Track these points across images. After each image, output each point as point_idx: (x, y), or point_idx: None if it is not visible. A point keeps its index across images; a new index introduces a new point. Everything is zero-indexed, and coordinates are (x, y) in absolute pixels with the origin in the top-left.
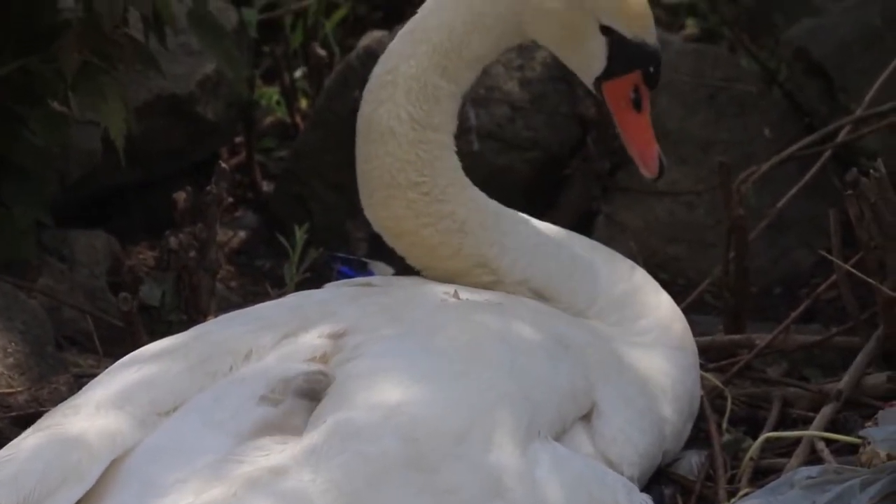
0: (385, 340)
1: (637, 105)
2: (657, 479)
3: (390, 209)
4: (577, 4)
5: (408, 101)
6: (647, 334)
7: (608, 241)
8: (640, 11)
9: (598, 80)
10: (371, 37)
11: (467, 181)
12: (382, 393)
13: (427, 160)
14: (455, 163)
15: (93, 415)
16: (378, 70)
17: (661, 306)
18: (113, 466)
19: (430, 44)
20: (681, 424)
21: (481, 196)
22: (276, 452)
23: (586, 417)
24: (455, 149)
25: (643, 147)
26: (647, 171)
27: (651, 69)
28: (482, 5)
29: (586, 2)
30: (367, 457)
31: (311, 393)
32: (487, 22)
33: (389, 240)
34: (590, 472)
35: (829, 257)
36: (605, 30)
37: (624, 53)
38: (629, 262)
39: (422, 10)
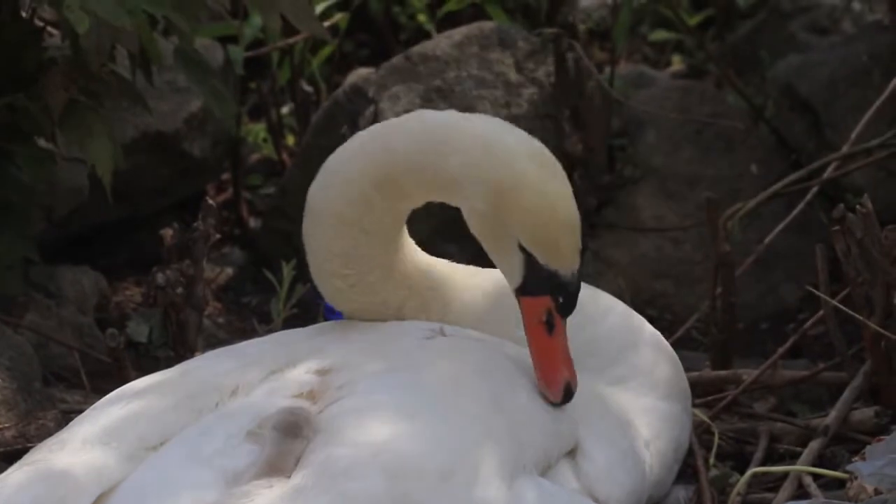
0: (372, 377)
1: (549, 327)
2: None
3: (328, 285)
4: (500, 217)
5: (341, 199)
6: (627, 381)
7: (596, 278)
8: (554, 242)
9: (516, 292)
10: (357, 74)
11: (404, 258)
12: (370, 431)
13: (354, 256)
14: (389, 256)
15: (79, 450)
16: (333, 155)
17: (641, 352)
18: (99, 501)
19: (369, 158)
20: (664, 473)
21: (419, 270)
22: (263, 495)
23: (571, 454)
24: (396, 241)
25: (548, 372)
26: (549, 395)
27: (560, 299)
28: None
29: (506, 218)
30: (352, 497)
31: (295, 429)
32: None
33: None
34: None
35: (817, 293)
36: (522, 248)
37: (536, 276)
38: (612, 301)
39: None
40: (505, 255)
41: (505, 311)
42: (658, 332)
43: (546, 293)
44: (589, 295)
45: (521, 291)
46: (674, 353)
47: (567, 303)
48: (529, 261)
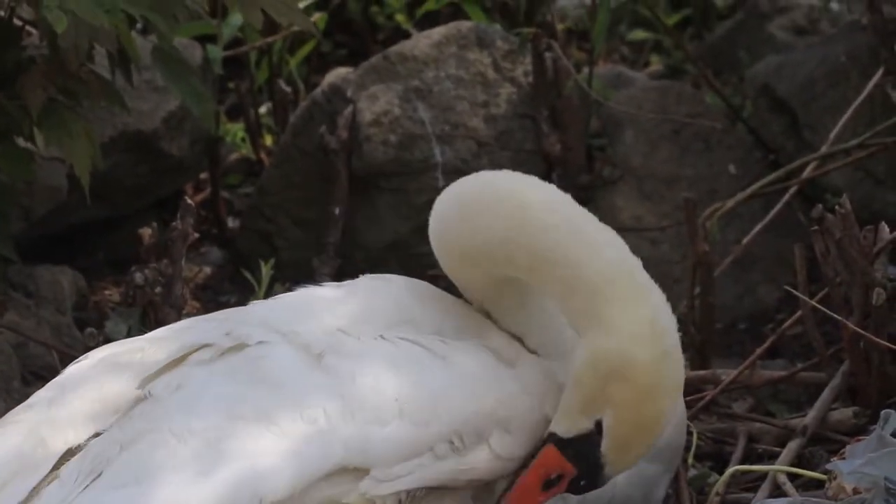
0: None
1: (547, 486)
2: None
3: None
4: (600, 388)
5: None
6: None
7: None
8: (629, 442)
9: (551, 435)
10: (336, 74)
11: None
12: None
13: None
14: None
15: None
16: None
17: None
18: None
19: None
20: None
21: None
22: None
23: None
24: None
25: None
26: None
27: (581, 482)
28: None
29: (609, 394)
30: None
31: None
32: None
33: None
34: None
35: (795, 293)
36: (597, 423)
37: (583, 449)
38: None
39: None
40: (579, 403)
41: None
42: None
43: (575, 465)
44: None
45: (557, 443)
46: (683, 414)
47: (582, 488)
48: (590, 432)
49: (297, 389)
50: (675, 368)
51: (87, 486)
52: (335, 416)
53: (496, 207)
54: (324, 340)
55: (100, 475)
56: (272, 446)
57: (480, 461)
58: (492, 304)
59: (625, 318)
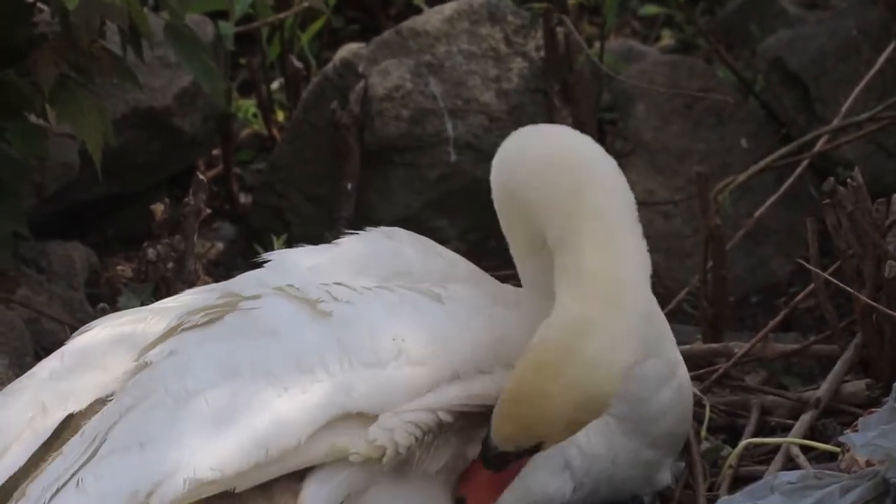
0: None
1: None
2: None
3: None
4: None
5: None
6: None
7: None
8: (508, 420)
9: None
10: (347, 49)
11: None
12: None
13: None
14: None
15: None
16: None
17: (654, 400)
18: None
19: None
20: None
21: None
22: None
23: None
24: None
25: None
26: None
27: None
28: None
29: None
30: None
31: None
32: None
33: None
34: None
35: (807, 266)
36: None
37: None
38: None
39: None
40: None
41: None
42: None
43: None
44: None
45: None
46: (687, 403)
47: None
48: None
49: (291, 338)
50: (585, 376)
51: (91, 455)
52: (332, 362)
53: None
54: (318, 290)
55: (102, 443)
56: (272, 399)
57: (485, 389)
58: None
59: (585, 308)
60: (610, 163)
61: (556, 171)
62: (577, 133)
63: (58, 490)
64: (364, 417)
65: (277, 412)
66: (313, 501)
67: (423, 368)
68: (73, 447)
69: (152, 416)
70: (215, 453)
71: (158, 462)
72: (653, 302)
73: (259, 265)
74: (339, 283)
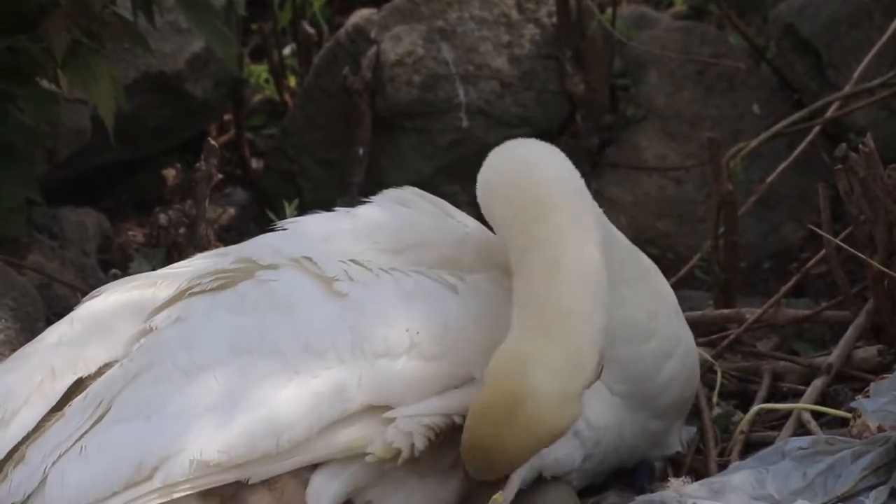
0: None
1: None
2: None
3: None
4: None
5: None
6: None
7: None
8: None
9: None
10: (359, 14)
11: None
12: None
13: None
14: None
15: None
16: None
17: (665, 370)
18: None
19: None
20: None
21: None
22: None
23: None
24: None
25: None
26: None
27: None
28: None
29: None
30: None
31: None
32: None
33: None
34: None
35: (819, 232)
36: None
37: None
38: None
39: None
40: None
41: None
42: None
43: None
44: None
45: None
46: (693, 369)
47: None
48: None
49: (305, 318)
50: (535, 415)
51: (96, 421)
52: (344, 348)
53: (516, 188)
54: (336, 266)
55: (108, 410)
56: (282, 383)
57: None
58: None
59: (523, 343)
60: (571, 184)
61: (512, 193)
62: (545, 152)
63: (59, 456)
64: (375, 409)
65: (288, 400)
66: (321, 495)
67: (436, 365)
68: (76, 410)
69: (159, 387)
70: (222, 436)
71: (165, 437)
72: (645, 287)
73: (274, 231)
74: (355, 261)
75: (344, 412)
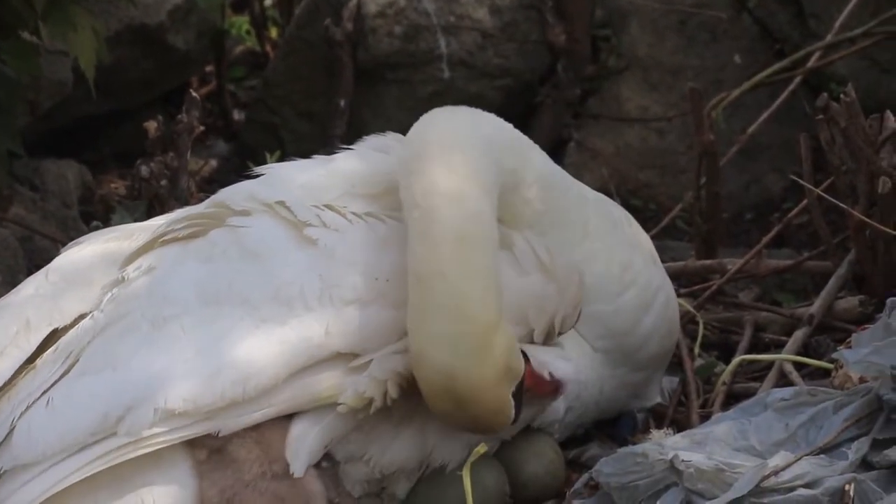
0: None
1: None
2: None
3: None
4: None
5: None
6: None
7: (580, 168)
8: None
9: None
10: None
11: None
12: None
13: None
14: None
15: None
16: None
17: (643, 324)
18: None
19: None
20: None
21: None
22: None
23: None
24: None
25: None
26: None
27: None
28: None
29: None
30: None
31: None
32: None
33: None
34: None
35: (801, 182)
36: None
37: None
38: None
39: None
40: None
41: None
42: (675, 300)
43: None
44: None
45: None
46: (672, 321)
47: None
48: None
49: (273, 265)
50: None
51: (64, 373)
52: (312, 296)
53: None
54: (308, 211)
55: (76, 362)
56: (249, 331)
57: None
58: None
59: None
60: (469, 140)
61: (402, 152)
62: (455, 114)
63: (27, 407)
64: (344, 356)
65: (255, 347)
66: (300, 446)
67: (405, 312)
68: (47, 362)
69: (127, 339)
70: (188, 384)
71: (129, 387)
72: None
73: (252, 178)
74: (330, 207)
75: (311, 358)
